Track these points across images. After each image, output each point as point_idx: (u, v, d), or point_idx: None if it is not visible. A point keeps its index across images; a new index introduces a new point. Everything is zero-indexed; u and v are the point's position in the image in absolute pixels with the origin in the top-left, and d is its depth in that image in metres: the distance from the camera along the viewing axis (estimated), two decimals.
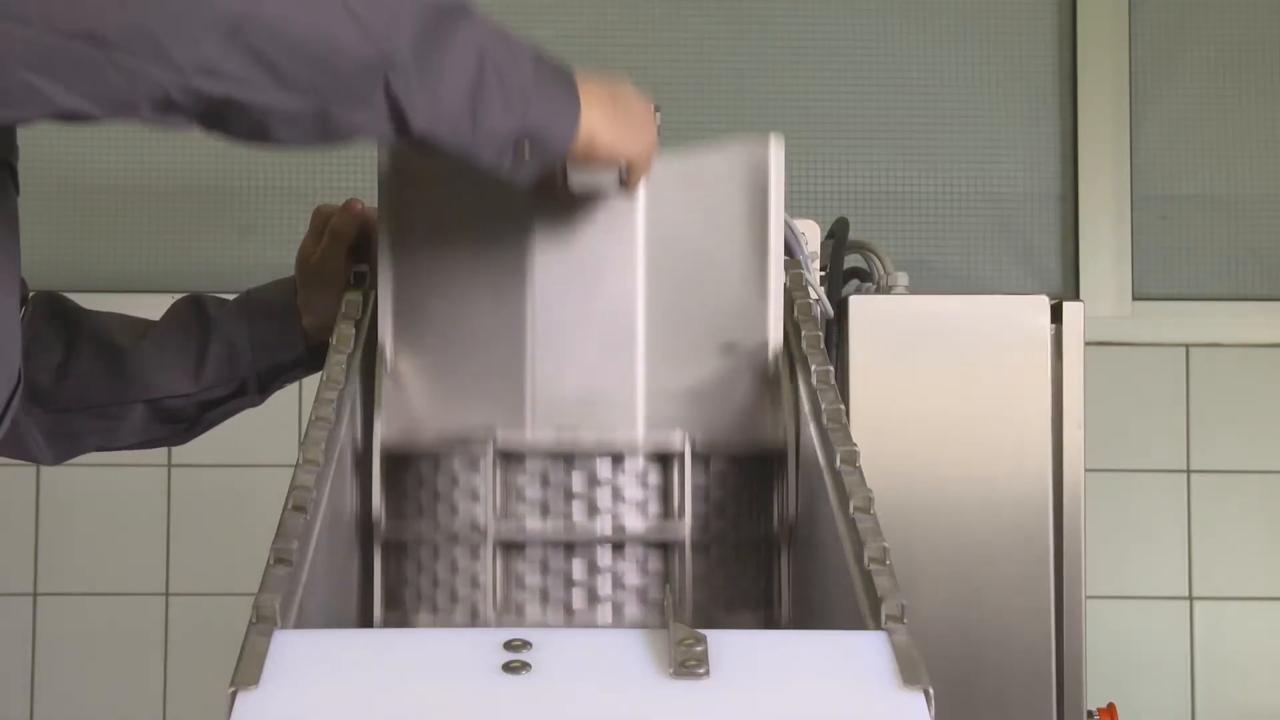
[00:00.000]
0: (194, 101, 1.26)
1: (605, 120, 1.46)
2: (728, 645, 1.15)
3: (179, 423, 1.89)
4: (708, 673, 1.13)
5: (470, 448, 1.60)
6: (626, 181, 1.54)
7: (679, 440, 1.60)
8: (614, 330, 1.66)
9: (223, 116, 1.28)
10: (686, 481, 1.60)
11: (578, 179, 1.52)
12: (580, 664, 1.16)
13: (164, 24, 1.23)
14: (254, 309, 1.88)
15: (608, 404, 1.62)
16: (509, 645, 1.16)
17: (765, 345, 1.65)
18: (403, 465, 1.64)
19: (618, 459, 1.60)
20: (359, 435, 1.64)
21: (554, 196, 1.58)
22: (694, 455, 1.60)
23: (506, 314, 1.66)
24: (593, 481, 1.60)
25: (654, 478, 1.61)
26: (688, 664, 1.13)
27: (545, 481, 1.61)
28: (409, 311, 1.67)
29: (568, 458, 1.61)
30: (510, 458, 1.61)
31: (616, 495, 1.60)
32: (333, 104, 1.29)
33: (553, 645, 1.16)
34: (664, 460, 1.61)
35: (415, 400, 1.64)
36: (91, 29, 1.22)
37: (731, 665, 1.14)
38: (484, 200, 1.65)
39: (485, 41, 1.36)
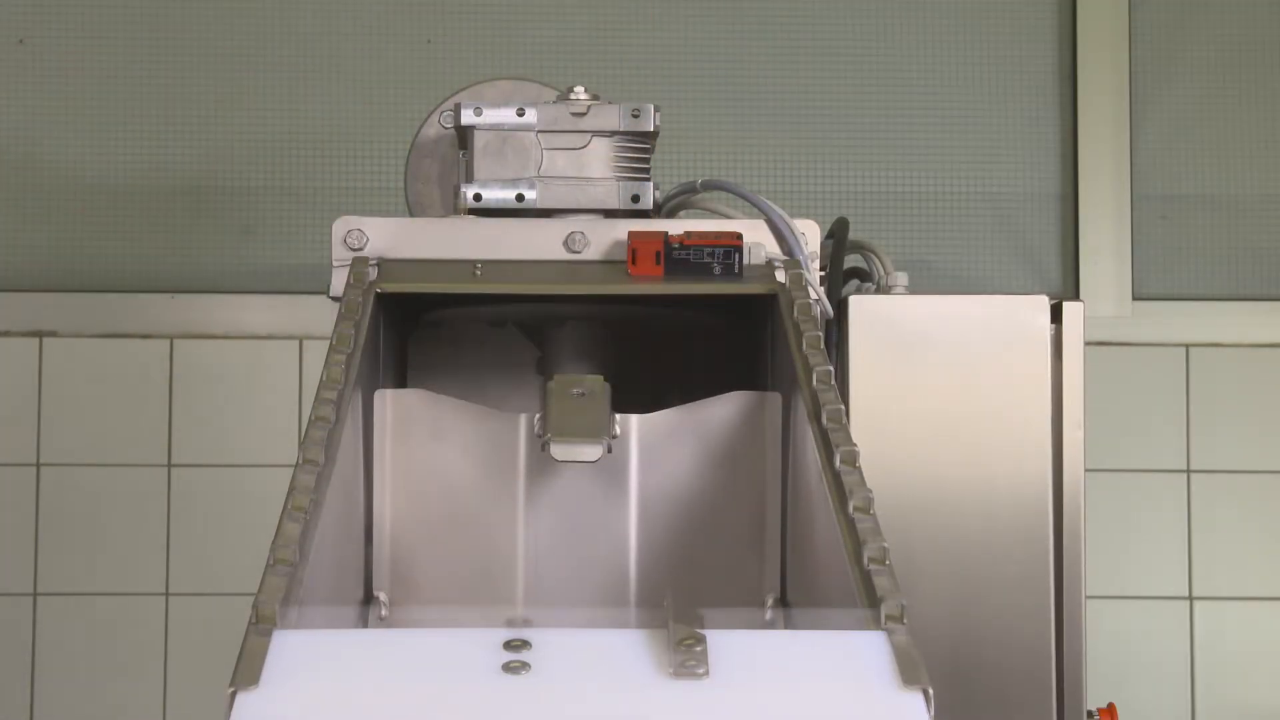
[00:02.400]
0: None
1: None
2: (727, 645, 1.16)
3: None
4: (707, 673, 1.13)
5: None
6: None
7: None
8: (607, 585, 1.67)
9: None
10: None
11: (559, 451, 1.53)
12: (580, 664, 1.16)
13: None
14: None
15: None
16: (509, 645, 1.16)
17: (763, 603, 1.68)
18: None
19: None
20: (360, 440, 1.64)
21: None
22: None
23: (498, 568, 1.67)
24: None
25: None
26: (687, 664, 1.13)
27: None
28: (405, 562, 1.69)
29: None
30: None
31: None
32: None
33: (552, 645, 1.16)
34: None
35: None
36: None
37: (731, 665, 1.14)
38: (480, 458, 1.67)
39: None
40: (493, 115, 1.92)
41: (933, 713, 1.12)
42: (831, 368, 1.56)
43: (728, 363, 2.00)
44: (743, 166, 3.11)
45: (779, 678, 1.15)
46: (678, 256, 1.81)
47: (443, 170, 2.09)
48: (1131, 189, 3.11)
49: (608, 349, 1.97)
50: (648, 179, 1.93)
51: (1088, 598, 1.92)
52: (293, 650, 1.16)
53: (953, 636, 1.87)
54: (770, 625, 1.69)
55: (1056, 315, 1.93)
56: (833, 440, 1.45)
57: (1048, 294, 1.95)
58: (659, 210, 1.98)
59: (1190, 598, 3.06)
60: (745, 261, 1.81)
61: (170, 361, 3.02)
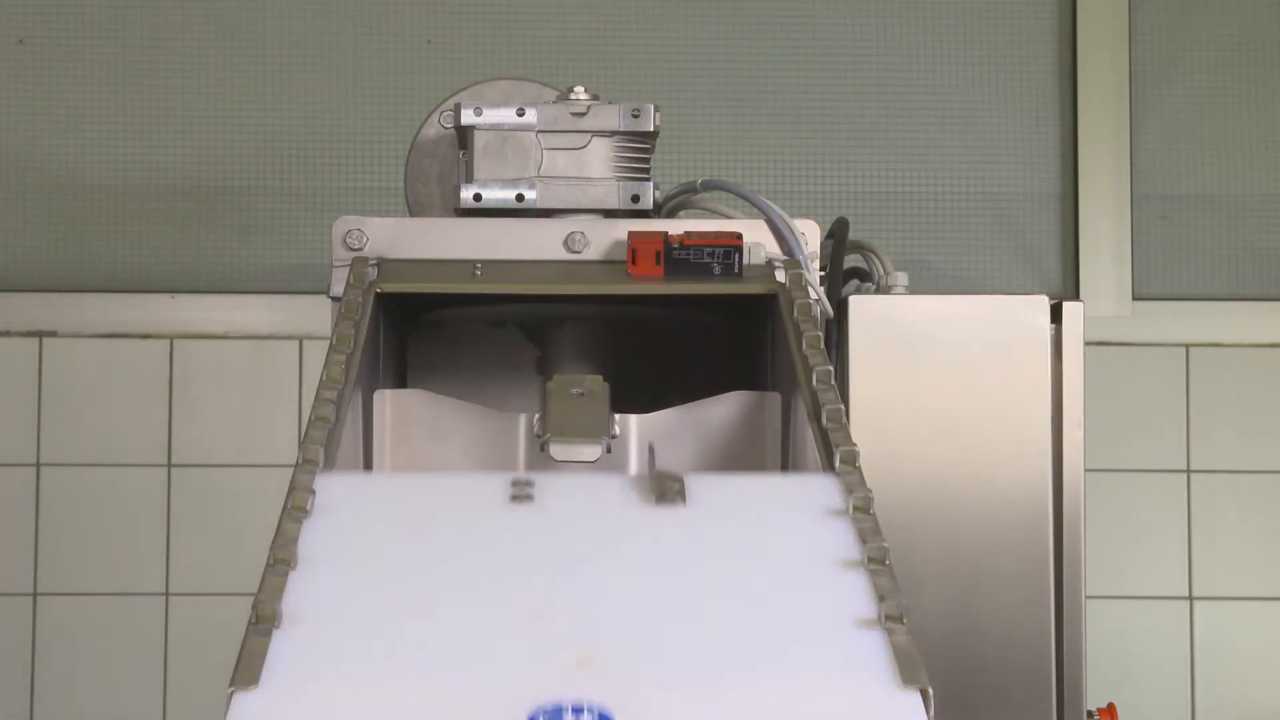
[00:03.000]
0: None
1: None
2: (702, 482, 1.39)
3: None
4: (684, 501, 1.35)
5: None
6: None
7: None
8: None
9: None
10: None
11: (559, 451, 1.55)
12: (577, 497, 1.38)
13: None
14: None
15: None
16: (515, 484, 1.36)
17: None
18: None
19: None
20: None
21: None
22: None
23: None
24: None
25: None
26: (667, 495, 1.35)
27: None
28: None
29: None
30: None
31: None
32: None
33: (553, 484, 1.37)
34: None
35: None
36: None
37: (705, 496, 1.37)
38: (480, 458, 1.68)
39: None
40: (493, 115, 1.92)
41: (932, 712, 1.12)
42: (831, 368, 1.56)
43: (728, 363, 2.00)
44: (743, 166, 3.11)
45: (744, 506, 1.37)
46: (678, 256, 1.81)
47: (443, 170, 2.09)
48: (1131, 189, 3.11)
49: (608, 349, 1.97)
50: (648, 179, 1.93)
51: (1088, 597, 1.92)
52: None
53: (953, 636, 1.87)
54: None
55: (1056, 315, 1.93)
56: (833, 440, 1.45)
57: (1048, 294, 1.95)
58: (659, 210, 1.98)
59: (1190, 598, 3.06)
60: (745, 261, 1.81)
61: (170, 361, 3.03)
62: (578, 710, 1.12)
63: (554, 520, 1.33)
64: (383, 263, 1.84)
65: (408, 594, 1.23)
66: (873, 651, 1.17)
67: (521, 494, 1.35)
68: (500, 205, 1.90)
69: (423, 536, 1.31)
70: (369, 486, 1.42)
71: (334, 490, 1.35)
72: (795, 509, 1.34)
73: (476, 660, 1.16)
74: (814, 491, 1.37)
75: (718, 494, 1.37)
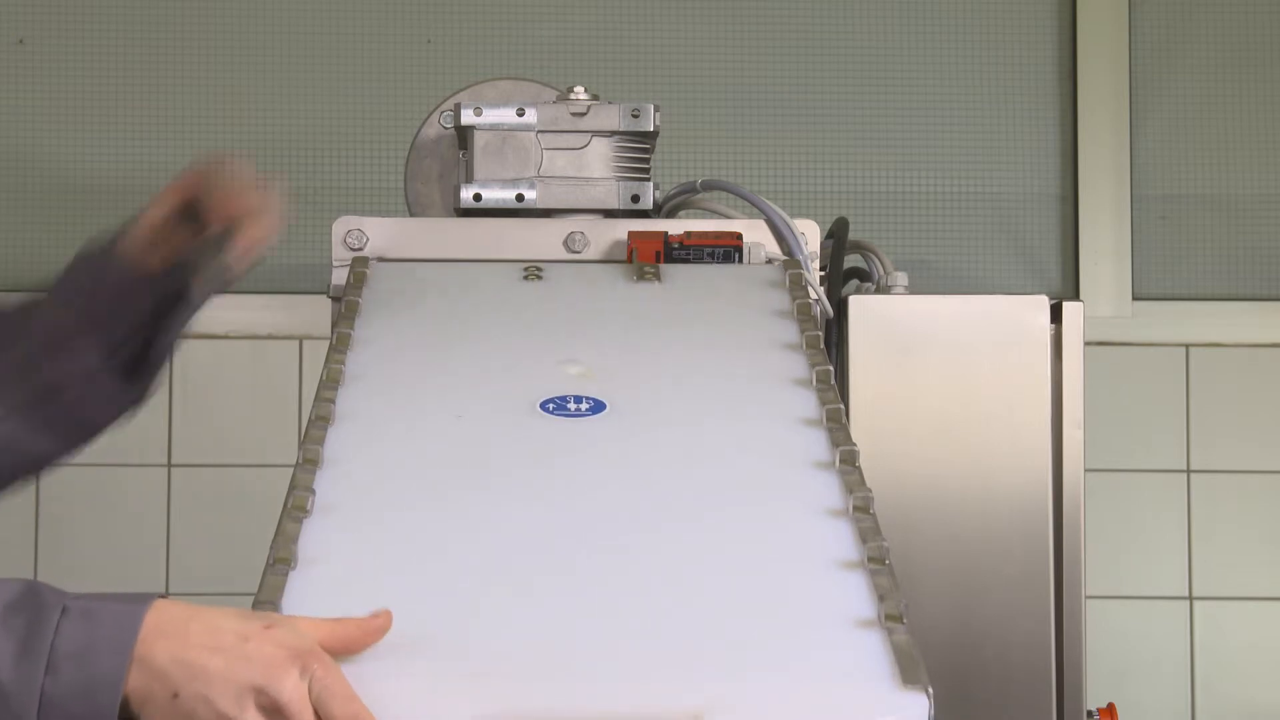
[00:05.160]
0: None
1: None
2: (675, 268, 1.80)
3: None
4: (659, 280, 1.75)
5: None
6: None
7: None
8: None
9: None
10: None
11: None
12: (575, 278, 1.78)
13: None
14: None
15: None
16: (527, 267, 1.78)
17: None
18: None
19: None
20: None
21: None
22: None
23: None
24: None
25: None
26: (644, 276, 1.75)
27: None
28: None
29: None
30: None
31: None
32: None
33: (556, 269, 1.80)
34: None
35: None
36: None
37: (676, 277, 1.76)
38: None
39: None
40: (493, 115, 1.92)
41: (933, 712, 1.12)
42: (831, 368, 1.56)
43: None
44: (743, 166, 3.11)
45: (710, 282, 1.77)
46: (678, 256, 1.81)
47: (443, 170, 2.09)
48: (1131, 189, 3.11)
49: None
50: (648, 179, 1.94)
51: (1088, 597, 1.92)
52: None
53: (953, 636, 1.87)
54: None
55: (1056, 315, 1.93)
56: (833, 440, 1.45)
57: (1048, 294, 1.95)
58: (659, 210, 1.98)
59: (1190, 598, 3.06)
60: (745, 261, 1.82)
61: (170, 361, 3.02)
62: (579, 400, 1.50)
63: (557, 291, 1.76)
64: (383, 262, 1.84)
65: (444, 341, 1.66)
66: (873, 651, 1.17)
67: (533, 274, 1.78)
68: (500, 205, 1.90)
69: (459, 300, 1.75)
70: (418, 270, 1.82)
71: (389, 273, 1.80)
72: (741, 287, 1.77)
73: (500, 373, 1.58)
74: (757, 275, 1.78)
75: (683, 276, 1.78)
